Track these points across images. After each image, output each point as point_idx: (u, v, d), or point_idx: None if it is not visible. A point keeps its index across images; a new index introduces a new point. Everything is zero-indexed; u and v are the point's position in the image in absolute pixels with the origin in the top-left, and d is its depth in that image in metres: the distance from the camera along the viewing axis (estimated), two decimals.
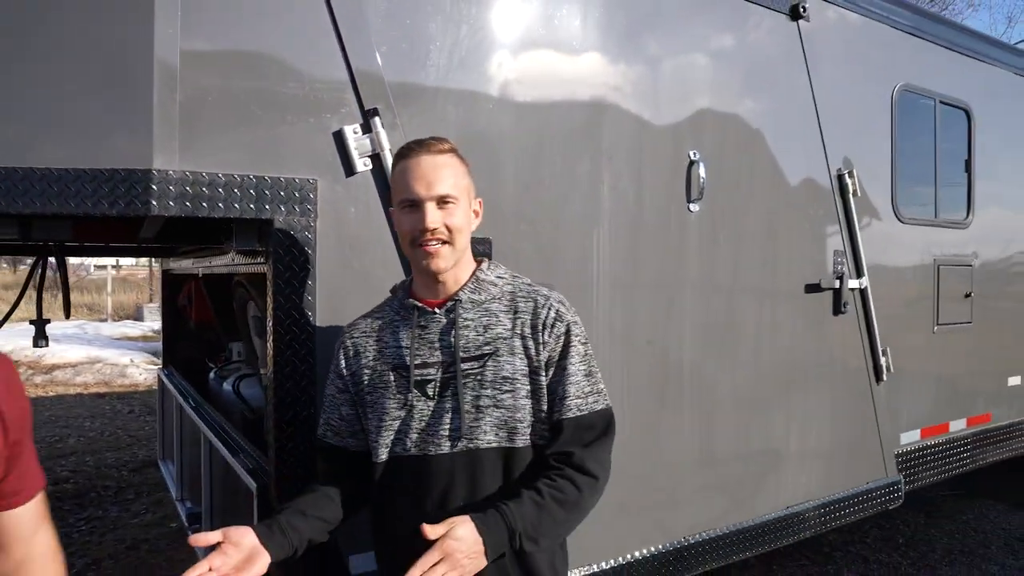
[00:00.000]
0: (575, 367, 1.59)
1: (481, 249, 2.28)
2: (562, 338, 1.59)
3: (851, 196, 3.45)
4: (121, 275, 30.20)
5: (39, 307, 2.91)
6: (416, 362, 1.57)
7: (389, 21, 2.15)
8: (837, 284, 3.40)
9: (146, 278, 27.13)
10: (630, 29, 2.71)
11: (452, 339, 1.56)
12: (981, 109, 4.33)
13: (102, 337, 15.20)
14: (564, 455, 1.55)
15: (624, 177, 2.68)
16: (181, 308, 4.50)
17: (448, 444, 1.54)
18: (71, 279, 3.20)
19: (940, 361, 4.09)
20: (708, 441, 2.96)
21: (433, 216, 1.53)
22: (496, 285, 1.63)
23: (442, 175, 1.55)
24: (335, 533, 1.94)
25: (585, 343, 1.63)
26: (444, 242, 1.55)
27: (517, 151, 2.41)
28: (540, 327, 1.58)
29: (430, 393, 1.56)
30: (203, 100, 1.89)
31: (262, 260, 2.14)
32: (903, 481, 3.75)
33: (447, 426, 1.54)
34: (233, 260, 2.46)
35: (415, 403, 1.56)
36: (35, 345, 2.90)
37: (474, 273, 1.63)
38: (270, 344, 1.99)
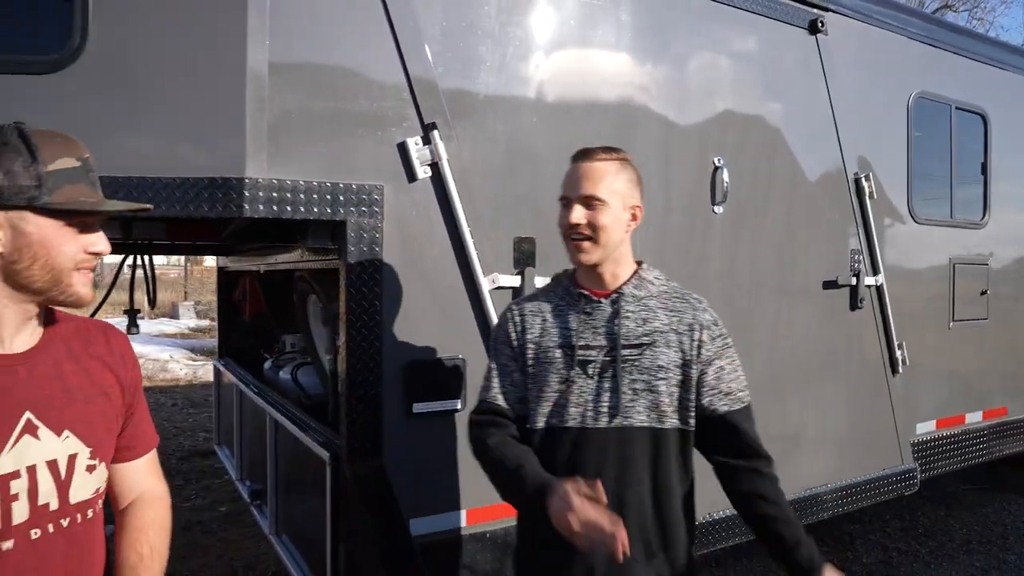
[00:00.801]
0: (734, 364, 1.77)
1: (527, 248, 2.55)
2: (717, 339, 1.75)
3: (868, 198, 3.67)
4: (158, 273, 31.05)
5: (131, 298, 3.23)
6: (580, 343, 1.72)
7: (445, 45, 2.43)
8: (854, 281, 3.62)
9: (178, 277, 27.93)
10: (659, 45, 2.96)
11: (615, 327, 1.71)
12: (997, 113, 4.50)
13: (140, 334, 15.60)
14: (756, 453, 1.76)
15: (653, 181, 2.92)
16: (236, 303, 4.82)
17: (605, 420, 1.69)
18: (110, 278, 3.50)
19: (956, 356, 4.27)
20: None
21: (577, 213, 1.69)
22: (654, 284, 1.78)
23: (594, 179, 1.69)
24: (400, 496, 2.23)
25: (731, 342, 1.80)
26: (588, 238, 1.69)
27: (557, 159, 2.65)
28: (698, 327, 1.74)
29: (590, 372, 1.70)
30: (287, 117, 2.18)
31: (334, 257, 2.42)
32: (919, 469, 3.95)
33: (605, 404, 1.69)
34: (302, 257, 2.75)
35: (576, 380, 1.70)
36: (128, 332, 3.22)
37: (636, 272, 1.78)
38: (343, 330, 2.27)
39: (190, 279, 23.83)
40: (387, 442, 2.33)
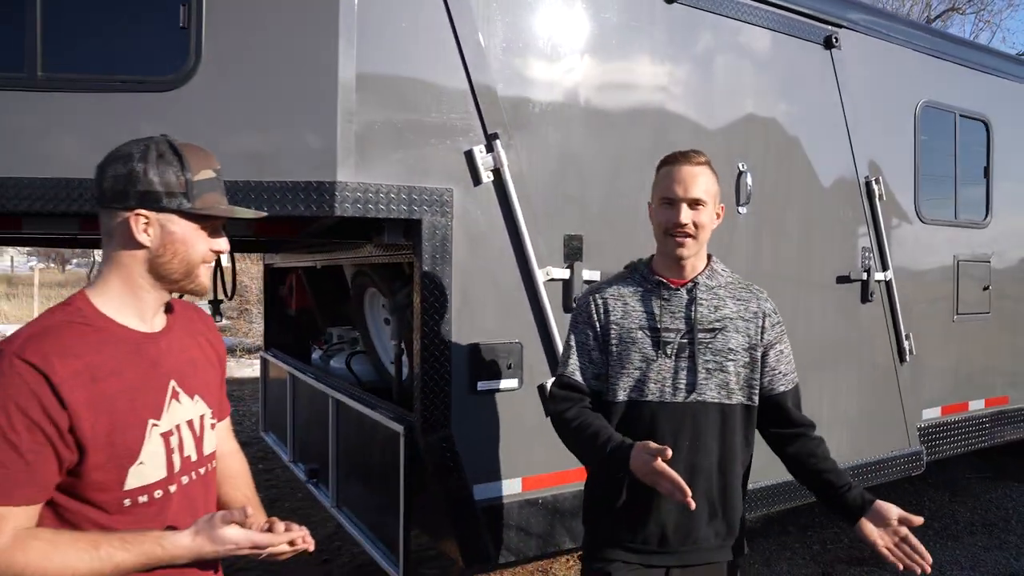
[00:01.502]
0: (788, 348, 1.99)
1: (575, 244, 2.85)
2: (777, 326, 1.97)
3: (877, 200, 3.97)
4: None
5: (215, 290, 3.54)
6: (661, 326, 1.90)
7: (505, 63, 2.74)
8: (865, 276, 3.92)
9: None
10: (691, 61, 3.26)
11: (692, 313, 1.89)
12: (1000, 120, 4.79)
13: None
14: (804, 422, 1.98)
15: None
16: (282, 298, 5.13)
17: (683, 395, 1.87)
18: None
19: (959, 347, 4.56)
20: None
21: (685, 214, 1.85)
22: (722, 275, 1.97)
23: (698, 182, 1.87)
24: (465, 464, 2.53)
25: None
26: (691, 236, 1.86)
27: (602, 167, 2.98)
28: (763, 315, 1.95)
29: (668, 352, 1.88)
30: (371, 128, 2.49)
31: (407, 252, 2.72)
32: (925, 451, 4.24)
33: (683, 381, 1.88)
34: (371, 253, 3.05)
35: (656, 359, 1.88)
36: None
37: (709, 264, 1.97)
38: (417, 317, 2.58)
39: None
40: (455, 416, 2.63)
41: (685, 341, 1.88)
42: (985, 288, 4.73)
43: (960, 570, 4.35)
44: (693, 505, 1.62)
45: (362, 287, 3.65)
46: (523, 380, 2.77)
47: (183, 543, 1.31)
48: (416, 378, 2.61)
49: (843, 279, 3.87)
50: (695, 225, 1.87)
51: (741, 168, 3.40)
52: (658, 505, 1.85)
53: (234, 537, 1.32)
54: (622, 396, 1.91)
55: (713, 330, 1.90)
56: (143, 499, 1.37)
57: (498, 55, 2.72)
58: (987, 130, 4.74)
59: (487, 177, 2.68)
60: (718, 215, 1.96)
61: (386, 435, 2.84)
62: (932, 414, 4.36)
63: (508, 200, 2.71)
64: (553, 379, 2.06)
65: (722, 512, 1.93)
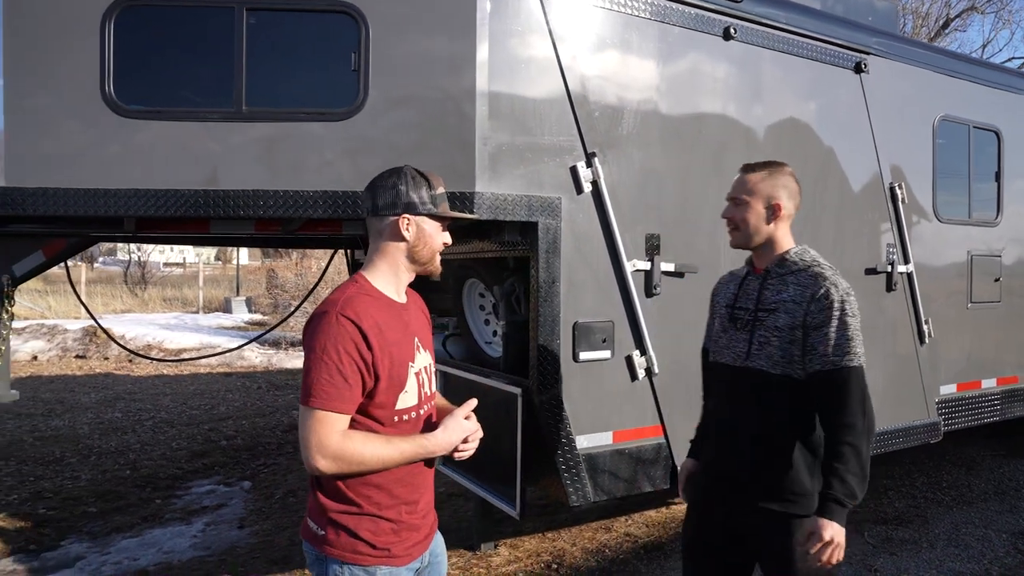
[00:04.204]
0: (834, 332, 2.12)
1: (654, 241, 3.49)
2: (823, 311, 2.14)
3: (900, 203, 4.58)
4: (189, 272, 32.74)
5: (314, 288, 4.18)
6: (738, 305, 2.34)
7: (599, 97, 3.38)
8: (889, 269, 4.53)
9: (211, 274, 29.34)
10: (744, 90, 3.89)
11: (758, 295, 2.29)
12: (1009, 130, 5.38)
13: (203, 327, 16.55)
14: (831, 409, 2.12)
15: None
16: None
17: (740, 360, 2.28)
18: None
19: (973, 331, 5.16)
20: None
21: (728, 210, 2.34)
22: (796, 264, 2.26)
23: (740, 186, 2.31)
24: (570, 419, 3.16)
25: (845, 315, 2.13)
26: (735, 228, 2.32)
27: (673, 180, 3.62)
28: (812, 299, 2.16)
29: (738, 326, 2.30)
30: (500, 150, 3.13)
31: (520, 247, 3.36)
32: (942, 422, 4.84)
33: (742, 349, 2.28)
34: (481, 249, 3.69)
35: (729, 330, 2.35)
36: None
37: (782, 255, 2.30)
38: (534, 301, 3.21)
39: (231, 276, 24.96)
40: (562, 380, 3.27)
41: (750, 318, 2.29)
42: (996, 280, 5.32)
43: (975, 528, 4.95)
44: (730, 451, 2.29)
45: (463, 278, 4.28)
46: (614, 352, 3.41)
47: (439, 434, 1.92)
48: (532, 349, 3.26)
49: (871, 271, 4.48)
50: (735, 219, 2.32)
51: None
52: (709, 450, 2.44)
53: (470, 425, 1.93)
54: (712, 357, 2.46)
55: (769, 311, 2.24)
56: (405, 417, 1.94)
57: (594, 89, 3.36)
58: (998, 139, 5.33)
59: (587, 187, 3.32)
60: (775, 211, 2.28)
61: (502, 398, 3.48)
62: (949, 390, 4.96)
63: (603, 206, 3.35)
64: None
65: (765, 466, 2.21)
